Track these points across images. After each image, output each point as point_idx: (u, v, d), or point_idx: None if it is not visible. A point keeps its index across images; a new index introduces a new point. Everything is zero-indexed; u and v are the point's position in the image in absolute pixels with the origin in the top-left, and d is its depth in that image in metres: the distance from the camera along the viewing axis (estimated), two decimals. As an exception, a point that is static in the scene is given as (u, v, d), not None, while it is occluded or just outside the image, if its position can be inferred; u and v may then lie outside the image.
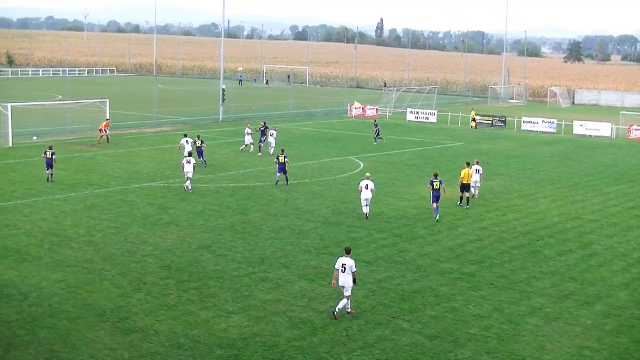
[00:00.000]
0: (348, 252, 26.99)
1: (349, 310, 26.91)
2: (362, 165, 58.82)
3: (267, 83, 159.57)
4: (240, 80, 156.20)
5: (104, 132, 66.11)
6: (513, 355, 24.21)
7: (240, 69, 47.84)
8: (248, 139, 63.26)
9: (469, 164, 45.87)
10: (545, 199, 48.28)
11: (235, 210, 42.40)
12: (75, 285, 29.28)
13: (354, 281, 26.73)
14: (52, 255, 33.06)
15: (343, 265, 26.48)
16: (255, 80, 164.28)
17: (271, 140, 62.18)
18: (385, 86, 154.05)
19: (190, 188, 46.69)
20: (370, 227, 39.51)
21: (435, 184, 41.15)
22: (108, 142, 65.69)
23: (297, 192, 47.87)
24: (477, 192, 47.02)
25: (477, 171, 46.57)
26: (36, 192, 45.67)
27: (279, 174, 49.57)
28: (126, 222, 39.10)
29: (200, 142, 55.68)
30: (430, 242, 37.08)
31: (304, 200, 45.53)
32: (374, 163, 60.32)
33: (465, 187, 44.78)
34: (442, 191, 41.40)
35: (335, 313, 26.50)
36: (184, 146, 54.44)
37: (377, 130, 72.96)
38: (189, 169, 46.47)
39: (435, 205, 41.51)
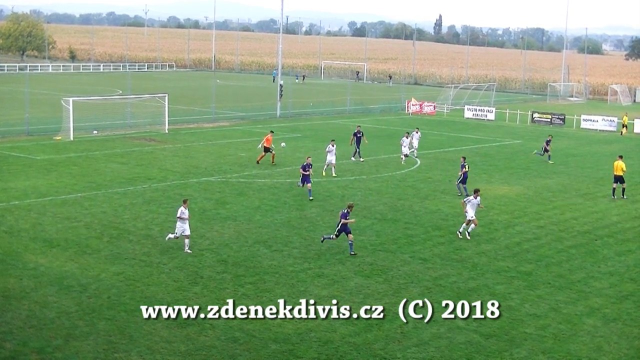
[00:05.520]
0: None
1: None
2: (419, 162, 58.62)
3: (303, 79, 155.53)
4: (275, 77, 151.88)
5: (270, 148, 55.36)
6: (569, 355, 24.00)
7: (283, 144, 45.89)
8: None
9: (621, 157, 48.05)
10: (604, 197, 47.66)
11: (292, 206, 42.57)
12: (133, 277, 29.68)
13: None
14: (111, 247, 33.52)
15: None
16: (296, 76, 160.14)
17: (415, 142, 61.28)
18: (390, 78, 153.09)
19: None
20: (427, 224, 39.41)
21: None
22: (273, 161, 55.15)
23: (354, 188, 47.90)
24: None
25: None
26: (96, 185, 46.30)
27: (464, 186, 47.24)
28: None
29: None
30: (486, 240, 36.87)
31: (360, 196, 45.53)
32: (431, 160, 60.06)
33: (618, 179, 47.00)
34: None
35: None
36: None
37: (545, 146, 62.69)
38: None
39: None
